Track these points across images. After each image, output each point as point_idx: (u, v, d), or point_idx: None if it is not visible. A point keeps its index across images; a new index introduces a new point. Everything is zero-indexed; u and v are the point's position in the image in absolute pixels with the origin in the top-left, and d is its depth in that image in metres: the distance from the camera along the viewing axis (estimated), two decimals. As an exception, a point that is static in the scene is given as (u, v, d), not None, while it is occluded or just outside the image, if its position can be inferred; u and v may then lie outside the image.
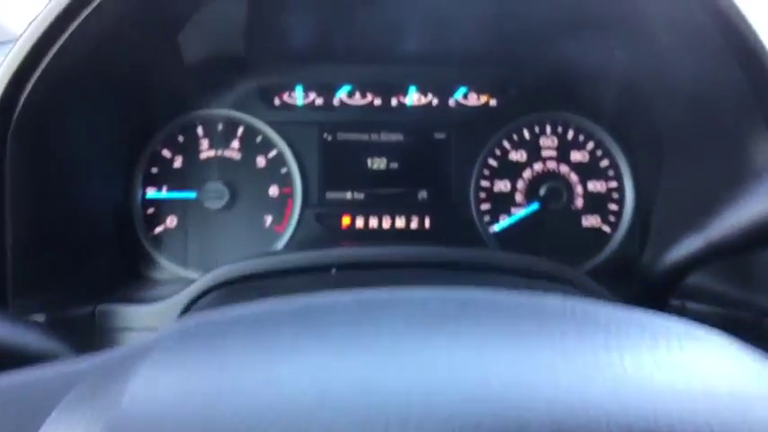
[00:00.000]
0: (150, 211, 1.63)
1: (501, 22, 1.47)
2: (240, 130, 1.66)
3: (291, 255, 1.20)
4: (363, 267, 1.13)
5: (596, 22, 1.33)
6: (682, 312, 1.23)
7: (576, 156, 1.71)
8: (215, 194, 1.60)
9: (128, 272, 1.55)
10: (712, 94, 1.20)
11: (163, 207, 1.64)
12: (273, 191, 1.66)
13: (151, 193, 1.63)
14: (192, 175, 1.63)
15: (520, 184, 1.70)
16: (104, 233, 1.48)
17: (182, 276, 1.61)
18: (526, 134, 1.71)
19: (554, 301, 0.50)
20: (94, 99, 1.30)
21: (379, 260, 1.16)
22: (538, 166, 1.70)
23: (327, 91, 1.70)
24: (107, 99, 1.36)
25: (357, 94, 1.71)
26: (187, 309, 1.16)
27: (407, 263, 1.13)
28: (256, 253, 1.25)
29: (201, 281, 1.16)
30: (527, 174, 1.70)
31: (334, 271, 1.05)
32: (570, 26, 1.38)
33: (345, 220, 1.67)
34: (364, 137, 1.70)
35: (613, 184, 1.70)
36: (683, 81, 1.28)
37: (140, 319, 1.23)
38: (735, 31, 1.04)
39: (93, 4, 1.04)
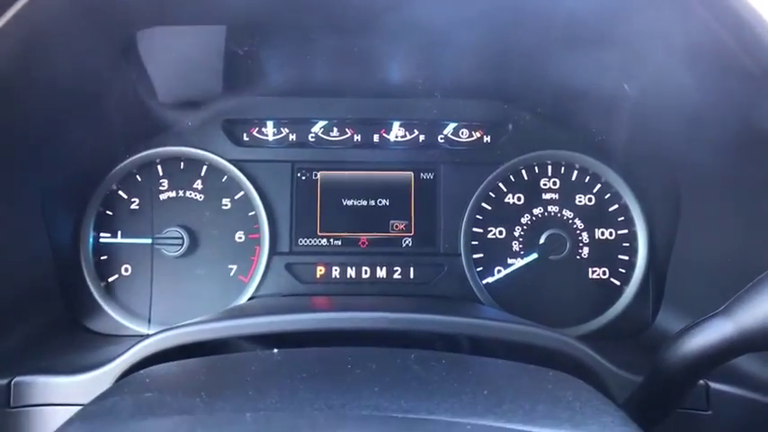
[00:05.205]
0: (103, 257, 1.47)
1: (493, 49, 1.29)
2: (203, 169, 1.50)
3: (241, 321, 1.03)
4: (325, 341, 0.96)
5: (595, 42, 1.14)
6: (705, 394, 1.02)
7: (581, 199, 1.52)
8: (174, 240, 1.44)
9: (69, 327, 1.38)
10: (729, 121, 1.01)
11: (117, 253, 1.48)
12: (239, 236, 1.49)
13: (105, 237, 1.47)
14: (149, 218, 1.47)
15: (517, 231, 1.51)
16: (42, 283, 1.31)
17: (134, 332, 1.44)
18: (524, 175, 1.52)
19: None
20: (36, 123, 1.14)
21: (346, 331, 0.99)
22: (537, 211, 1.51)
23: (302, 125, 1.54)
24: (52, 126, 1.20)
25: (335, 129, 1.54)
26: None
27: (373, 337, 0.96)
28: (198, 318, 1.07)
29: (136, 349, 1.00)
30: (525, 219, 1.51)
31: (276, 351, 0.87)
32: (568, 47, 1.20)
33: (320, 270, 1.50)
34: (342, 176, 1.53)
35: (623, 231, 1.50)
36: (699, 110, 1.09)
37: (62, 394, 1.05)
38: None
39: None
